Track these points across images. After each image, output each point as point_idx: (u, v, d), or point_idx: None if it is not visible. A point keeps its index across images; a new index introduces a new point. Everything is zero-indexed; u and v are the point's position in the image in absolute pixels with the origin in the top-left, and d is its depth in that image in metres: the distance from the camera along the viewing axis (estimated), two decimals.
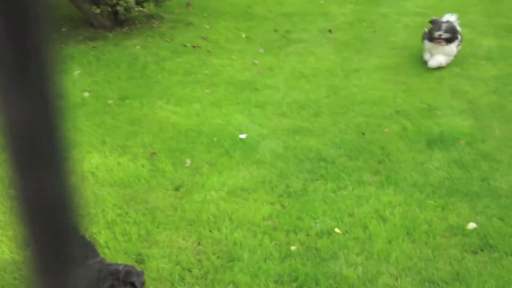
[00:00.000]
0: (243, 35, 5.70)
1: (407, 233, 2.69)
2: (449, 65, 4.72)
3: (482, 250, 2.58)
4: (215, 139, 3.56)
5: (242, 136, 3.60)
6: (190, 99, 4.20)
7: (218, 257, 2.54)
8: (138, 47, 5.31)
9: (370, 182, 3.11)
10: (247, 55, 5.15)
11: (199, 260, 2.52)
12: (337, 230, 2.70)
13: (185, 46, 5.36)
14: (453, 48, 4.66)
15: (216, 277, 2.41)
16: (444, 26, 4.59)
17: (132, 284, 1.92)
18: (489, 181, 3.10)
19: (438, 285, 2.38)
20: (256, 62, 4.95)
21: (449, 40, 4.59)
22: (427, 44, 4.73)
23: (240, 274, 2.42)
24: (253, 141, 3.54)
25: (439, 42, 4.57)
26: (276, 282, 2.40)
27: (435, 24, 4.66)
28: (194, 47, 5.33)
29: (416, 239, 2.65)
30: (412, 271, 2.47)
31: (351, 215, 2.83)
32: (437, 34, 4.57)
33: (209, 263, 2.49)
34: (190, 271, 2.45)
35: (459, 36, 4.72)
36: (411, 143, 3.55)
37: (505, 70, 4.71)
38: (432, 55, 4.69)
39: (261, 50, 5.26)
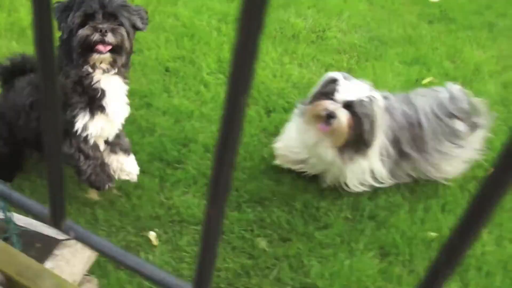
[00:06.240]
0: None
1: None
2: None
3: (440, 22, 2.47)
4: None
5: None
6: None
7: None
8: None
9: None
10: None
11: None
12: None
13: None
14: None
15: (157, 9, 2.28)
16: None
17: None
18: None
19: (386, 43, 2.29)
20: None
21: None
22: None
23: (183, 7, 2.29)
24: None
25: None
26: (219, 20, 2.28)
27: None
28: None
29: (373, 2, 2.53)
30: (363, 29, 2.36)
31: None
32: None
33: None
34: None
35: None
36: None
37: None
38: None
39: None
